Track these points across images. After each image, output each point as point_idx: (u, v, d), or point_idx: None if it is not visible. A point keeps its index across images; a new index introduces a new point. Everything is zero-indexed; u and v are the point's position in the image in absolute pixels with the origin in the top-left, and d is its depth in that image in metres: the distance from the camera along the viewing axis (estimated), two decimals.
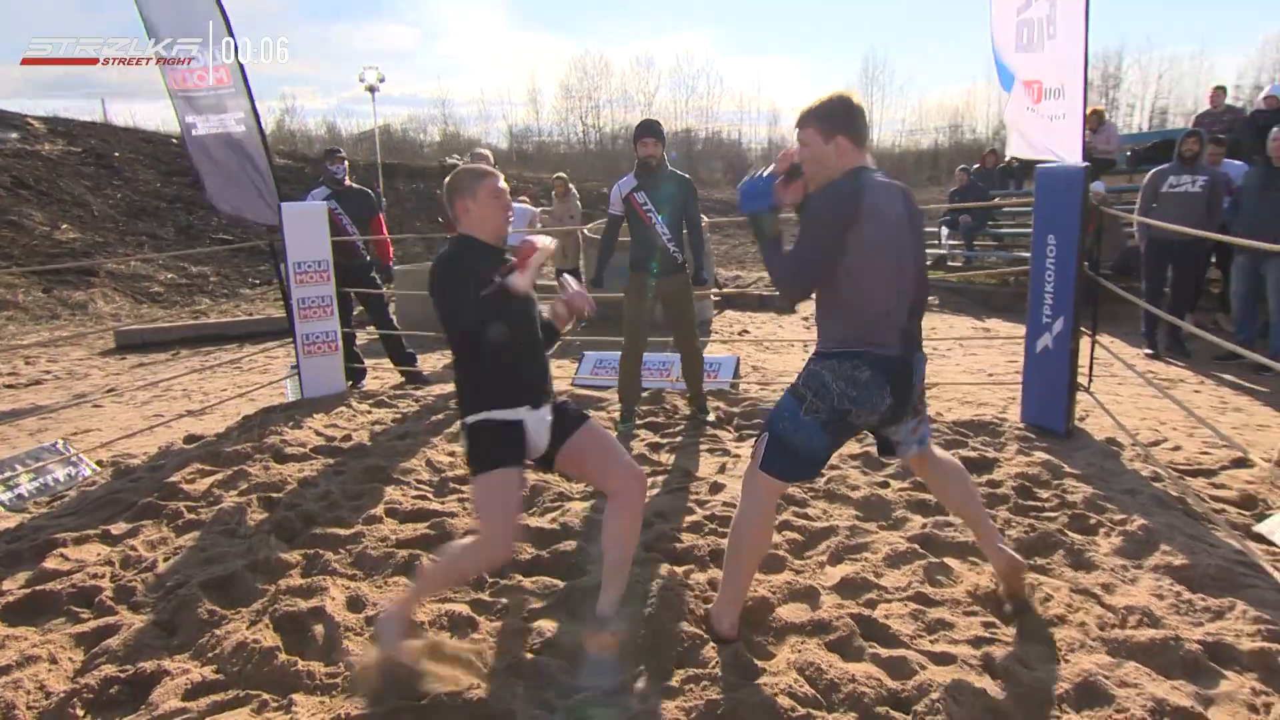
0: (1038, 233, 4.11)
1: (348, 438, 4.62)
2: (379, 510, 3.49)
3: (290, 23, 52.08)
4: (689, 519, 3.27)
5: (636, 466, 2.52)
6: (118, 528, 3.40)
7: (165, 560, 3.07)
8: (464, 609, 2.61)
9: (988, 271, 10.31)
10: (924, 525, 3.13)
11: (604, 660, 2.27)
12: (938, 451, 2.61)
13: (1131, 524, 3.03)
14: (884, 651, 2.31)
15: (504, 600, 2.69)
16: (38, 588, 2.85)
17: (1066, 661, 2.26)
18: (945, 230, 11.51)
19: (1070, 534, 3.02)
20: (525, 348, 2.44)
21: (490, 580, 2.84)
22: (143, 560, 3.06)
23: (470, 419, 2.37)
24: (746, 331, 8.73)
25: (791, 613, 2.53)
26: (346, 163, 6.35)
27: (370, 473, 3.98)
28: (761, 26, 57.16)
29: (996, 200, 11.10)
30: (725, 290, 10.98)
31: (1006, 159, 11.34)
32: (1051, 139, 4.11)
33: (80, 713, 2.20)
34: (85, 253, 13.20)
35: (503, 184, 2.48)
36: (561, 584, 2.77)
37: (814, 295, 2.39)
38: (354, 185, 6.34)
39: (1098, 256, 4.78)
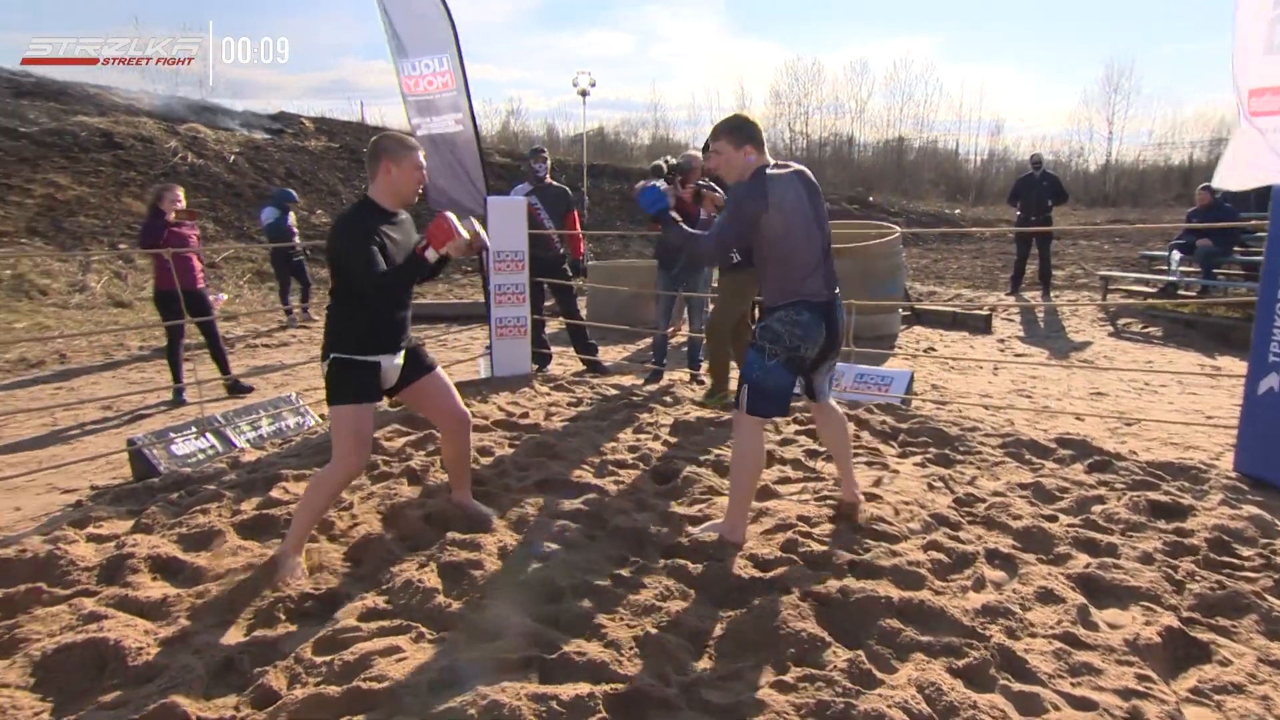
0: (1270, 258, 3.62)
1: (525, 415, 5.00)
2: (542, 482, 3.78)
3: (522, 31, 56.13)
4: (833, 528, 3.24)
5: (462, 409, 3.23)
6: None
7: (361, 502, 3.54)
8: (606, 582, 2.79)
9: (1220, 301, 9.06)
10: (1087, 565, 2.90)
11: None
12: (832, 403, 3.35)
13: None
14: (1016, 685, 2.20)
15: (641, 579, 2.84)
16: (264, 511, 3.41)
17: None
18: (1177, 255, 10.00)
19: (1271, 599, 2.67)
20: (399, 305, 2.98)
21: (631, 559, 3.01)
22: (342, 501, 3.54)
23: (334, 355, 2.89)
24: (934, 349, 8.32)
25: (921, 631, 2.46)
26: (548, 161, 6.84)
27: (540, 448, 4.30)
28: (988, 31, 53.48)
29: (1251, 221, 9.67)
30: (918, 305, 10.51)
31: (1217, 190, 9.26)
32: None
33: (281, 617, 2.62)
34: None
35: (423, 159, 2.97)
36: (696, 570, 2.86)
37: (760, 269, 3.07)
38: (553, 183, 6.80)
39: None
